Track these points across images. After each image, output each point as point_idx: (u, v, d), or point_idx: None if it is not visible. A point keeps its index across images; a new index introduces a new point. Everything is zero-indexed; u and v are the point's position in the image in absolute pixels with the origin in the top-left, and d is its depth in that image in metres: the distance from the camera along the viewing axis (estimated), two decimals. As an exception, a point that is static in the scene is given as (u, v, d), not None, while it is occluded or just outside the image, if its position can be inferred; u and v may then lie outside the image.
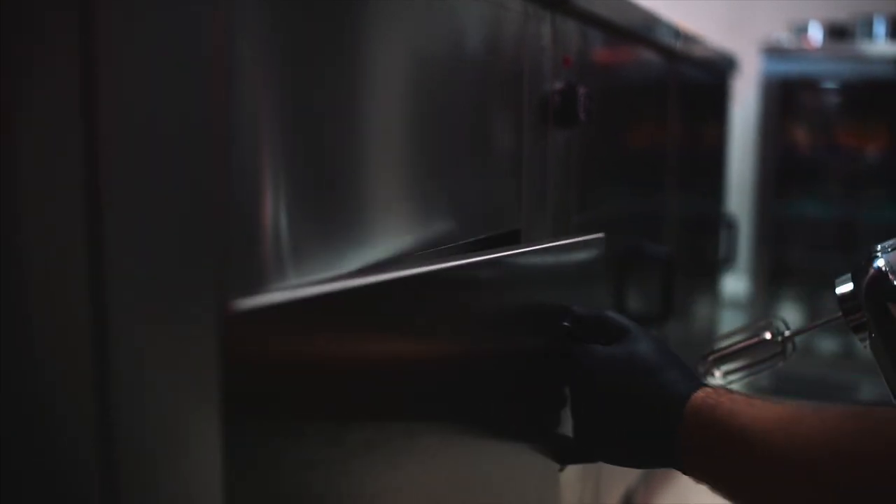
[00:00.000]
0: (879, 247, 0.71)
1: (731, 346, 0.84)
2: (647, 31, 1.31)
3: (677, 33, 1.47)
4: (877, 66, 2.59)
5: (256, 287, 0.46)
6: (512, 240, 0.84)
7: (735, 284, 2.72)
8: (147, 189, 0.40)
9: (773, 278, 2.73)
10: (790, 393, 2.54)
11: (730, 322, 2.65)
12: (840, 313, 0.73)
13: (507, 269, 0.69)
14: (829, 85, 2.79)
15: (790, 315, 2.70)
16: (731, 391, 0.64)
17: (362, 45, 0.57)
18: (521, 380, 0.71)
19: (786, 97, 2.70)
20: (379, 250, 0.60)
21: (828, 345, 2.70)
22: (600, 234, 0.83)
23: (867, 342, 0.71)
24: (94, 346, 0.38)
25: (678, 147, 1.62)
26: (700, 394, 0.64)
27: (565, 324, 0.73)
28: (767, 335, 0.82)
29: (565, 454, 0.75)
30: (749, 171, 2.78)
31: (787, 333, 0.83)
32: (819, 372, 2.65)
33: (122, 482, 0.40)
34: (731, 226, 2.21)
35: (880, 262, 0.69)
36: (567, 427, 0.72)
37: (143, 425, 0.41)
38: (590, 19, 1.02)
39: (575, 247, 0.79)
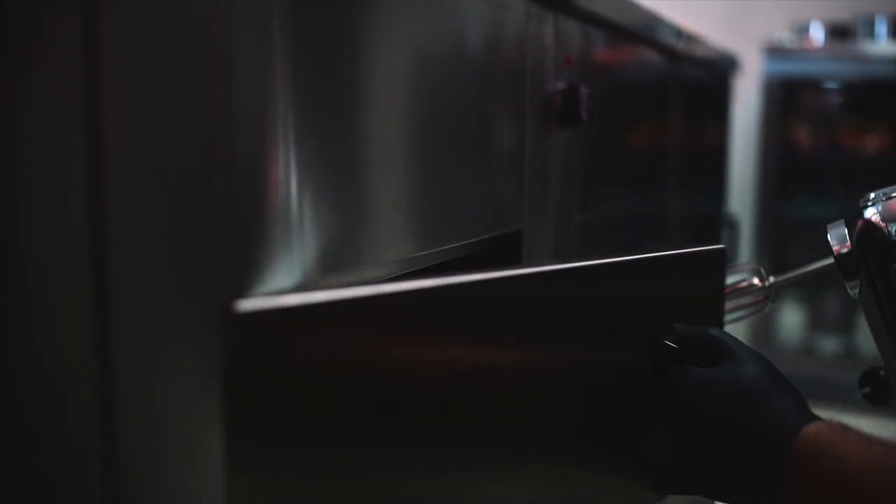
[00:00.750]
0: (873, 195, 0.70)
1: None
2: (648, 31, 1.31)
3: (679, 33, 1.47)
4: (878, 66, 2.59)
5: (260, 288, 0.46)
6: (514, 241, 0.83)
7: (736, 284, 2.72)
8: (150, 189, 0.40)
9: (774, 278, 2.73)
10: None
11: (731, 322, 2.65)
12: (831, 260, 0.72)
13: (601, 279, 0.64)
14: (831, 85, 2.79)
15: (791, 316, 2.70)
16: (845, 428, 0.59)
17: (363, 45, 0.57)
18: (616, 400, 0.67)
19: (787, 97, 2.71)
20: (380, 250, 0.60)
21: (829, 345, 2.70)
22: (721, 247, 0.76)
23: (857, 291, 0.70)
24: (95, 347, 0.38)
25: (680, 147, 1.62)
26: (812, 428, 0.58)
27: (668, 342, 0.69)
28: (756, 280, 0.81)
29: (663, 482, 0.69)
30: (750, 170, 2.78)
31: (772, 280, 0.81)
32: (820, 372, 2.65)
33: (124, 484, 0.40)
34: (732, 225, 2.21)
35: (871, 211, 0.68)
36: (667, 453, 0.67)
37: (145, 427, 0.41)
38: (591, 19, 1.02)
39: (691, 259, 0.73)
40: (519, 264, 0.58)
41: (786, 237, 2.76)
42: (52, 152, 0.36)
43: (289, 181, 0.50)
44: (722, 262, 0.76)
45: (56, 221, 0.37)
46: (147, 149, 0.40)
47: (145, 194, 0.40)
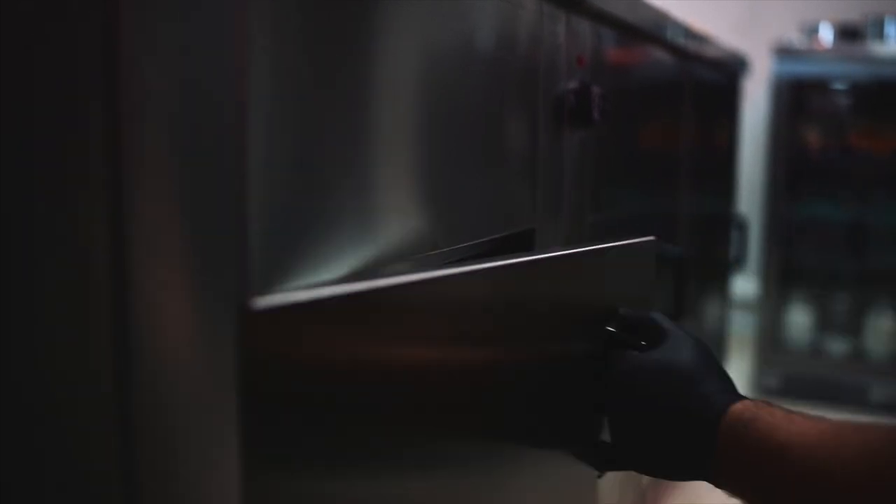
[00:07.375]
0: None
1: None
2: (659, 31, 1.31)
3: (689, 33, 1.47)
4: (888, 68, 2.58)
5: (275, 285, 0.46)
6: (526, 240, 0.83)
7: (744, 286, 2.71)
8: (167, 187, 0.40)
9: (782, 280, 2.72)
10: (800, 395, 2.53)
11: (739, 323, 2.64)
12: None
13: (550, 272, 0.67)
14: (840, 86, 2.78)
15: (798, 317, 2.69)
16: (770, 405, 0.62)
17: (377, 43, 0.57)
18: (560, 385, 0.70)
19: (797, 98, 2.70)
20: (394, 249, 0.60)
21: (839, 346, 2.69)
22: (651, 238, 0.81)
23: None
24: (115, 345, 0.38)
25: (690, 147, 1.61)
26: (738, 406, 0.62)
27: (609, 328, 0.71)
28: None
29: (604, 461, 0.73)
30: (760, 171, 2.77)
31: None
32: (829, 374, 2.64)
33: (141, 484, 0.40)
34: (741, 226, 2.21)
35: None
36: (607, 433, 0.70)
37: (163, 426, 0.41)
38: (604, 19, 1.02)
39: (625, 250, 0.77)
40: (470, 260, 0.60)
41: (794, 239, 2.75)
42: (74, 153, 0.36)
43: (302, 180, 0.50)
44: (653, 252, 0.81)
45: (75, 221, 0.37)
46: (167, 149, 0.40)
47: (164, 193, 0.40)
